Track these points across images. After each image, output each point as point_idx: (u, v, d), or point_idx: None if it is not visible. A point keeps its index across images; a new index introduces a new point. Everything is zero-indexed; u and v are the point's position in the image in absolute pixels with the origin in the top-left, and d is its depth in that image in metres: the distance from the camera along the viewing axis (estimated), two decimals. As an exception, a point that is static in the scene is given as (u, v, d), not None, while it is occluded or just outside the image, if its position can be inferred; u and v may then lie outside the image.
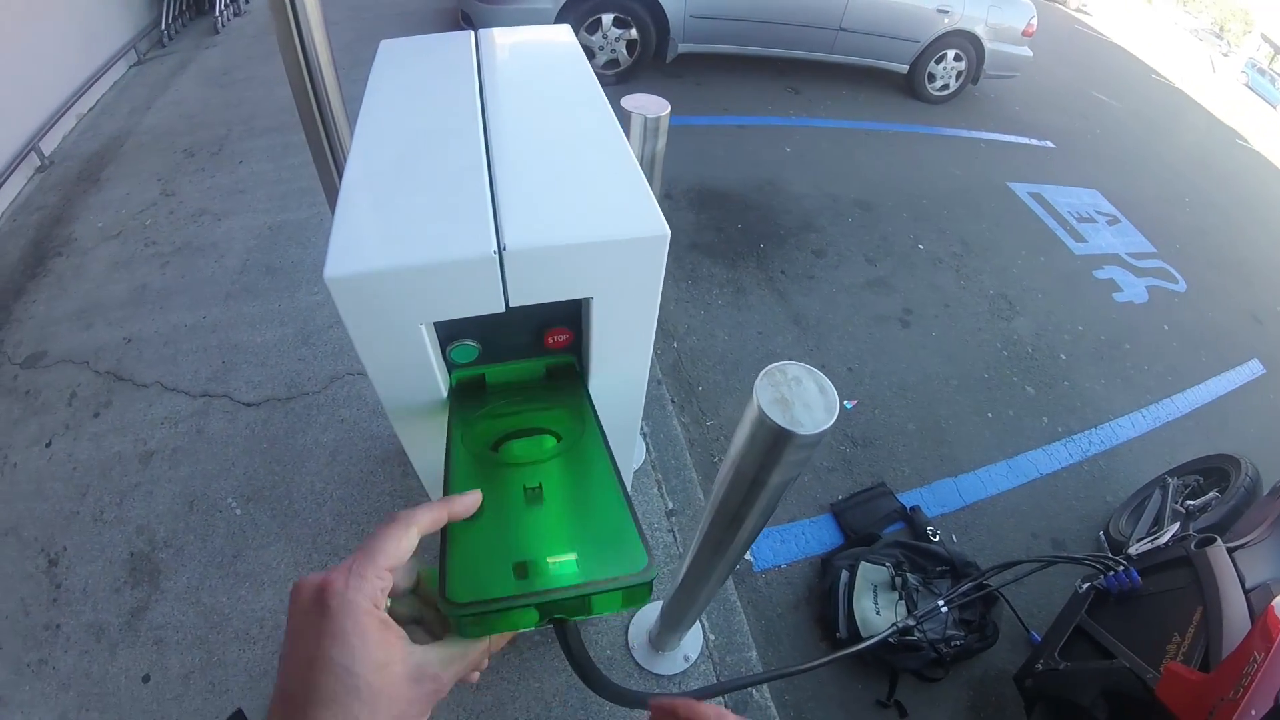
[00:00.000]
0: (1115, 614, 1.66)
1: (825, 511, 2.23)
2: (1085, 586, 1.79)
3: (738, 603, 1.81)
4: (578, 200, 0.68)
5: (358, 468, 1.94)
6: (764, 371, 0.67)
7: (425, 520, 0.42)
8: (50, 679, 1.52)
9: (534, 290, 0.65)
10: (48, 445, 1.96)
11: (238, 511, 1.83)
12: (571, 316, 0.73)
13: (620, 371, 0.80)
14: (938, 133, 4.84)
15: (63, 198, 2.90)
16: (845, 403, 2.60)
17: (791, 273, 3.18)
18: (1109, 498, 2.49)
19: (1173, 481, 2.23)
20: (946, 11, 4.67)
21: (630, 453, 1.11)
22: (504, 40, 1.04)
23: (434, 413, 0.75)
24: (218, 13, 4.41)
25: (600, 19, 4.01)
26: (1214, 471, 2.23)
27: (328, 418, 2.07)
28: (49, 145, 3.13)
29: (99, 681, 1.52)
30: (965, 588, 1.70)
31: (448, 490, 0.57)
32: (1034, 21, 5.05)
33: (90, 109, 3.50)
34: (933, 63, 4.95)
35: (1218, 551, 1.54)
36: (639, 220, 0.66)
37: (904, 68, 4.98)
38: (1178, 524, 1.94)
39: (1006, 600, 1.91)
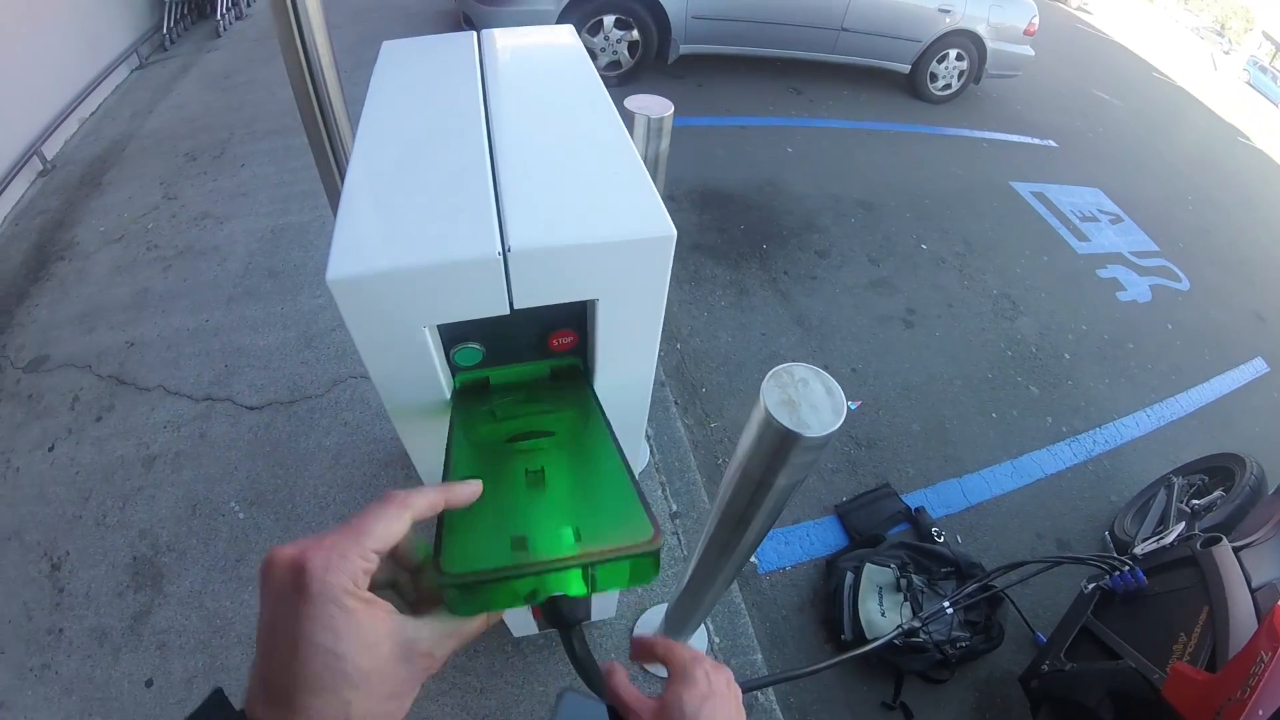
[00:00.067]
0: (1121, 614, 1.65)
1: (830, 513, 2.22)
2: (1091, 587, 1.78)
3: (742, 605, 1.80)
4: (583, 200, 0.68)
5: (361, 471, 1.94)
6: (771, 373, 0.66)
7: (421, 505, 0.40)
8: (53, 684, 1.52)
9: (539, 292, 0.65)
10: (50, 449, 1.96)
11: (240, 515, 1.83)
12: (576, 318, 0.72)
13: (625, 374, 0.80)
14: (940, 132, 4.84)
15: (65, 202, 2.90)
16: (849, 404, 2.59)
17: (794, 273, 3.18)
18: (1114, 497, 2.48)
19: (1177, 481, 2.22)
20: (948, 11, 4.66)
21: (635, 455, 1.10)
22: (507, 40, 1.03)
23: (437, 416, 0.75)
24: (219, 16, 4.42)
25: (602, 20, 4.01)
26: (1219, 470, 2.22)
27: (331, 421, 2.07)
28: (51, 149, 3.14)
29: (102, 686, 1.51)
30: (970, 589, 1.70)
31: (447, 476, 0.55)
32: (1035, 20, 5.04)
33: (92, 113, 3.50)
34: (935, 62, 4.94)
35: (1223, 551, 1.54)
36: (645, 220, 0.65)
37: (906, 67, 4.98)
38: (1183, 523, 1.93)
39: (1012, 601, 1.90)
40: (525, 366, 0.75)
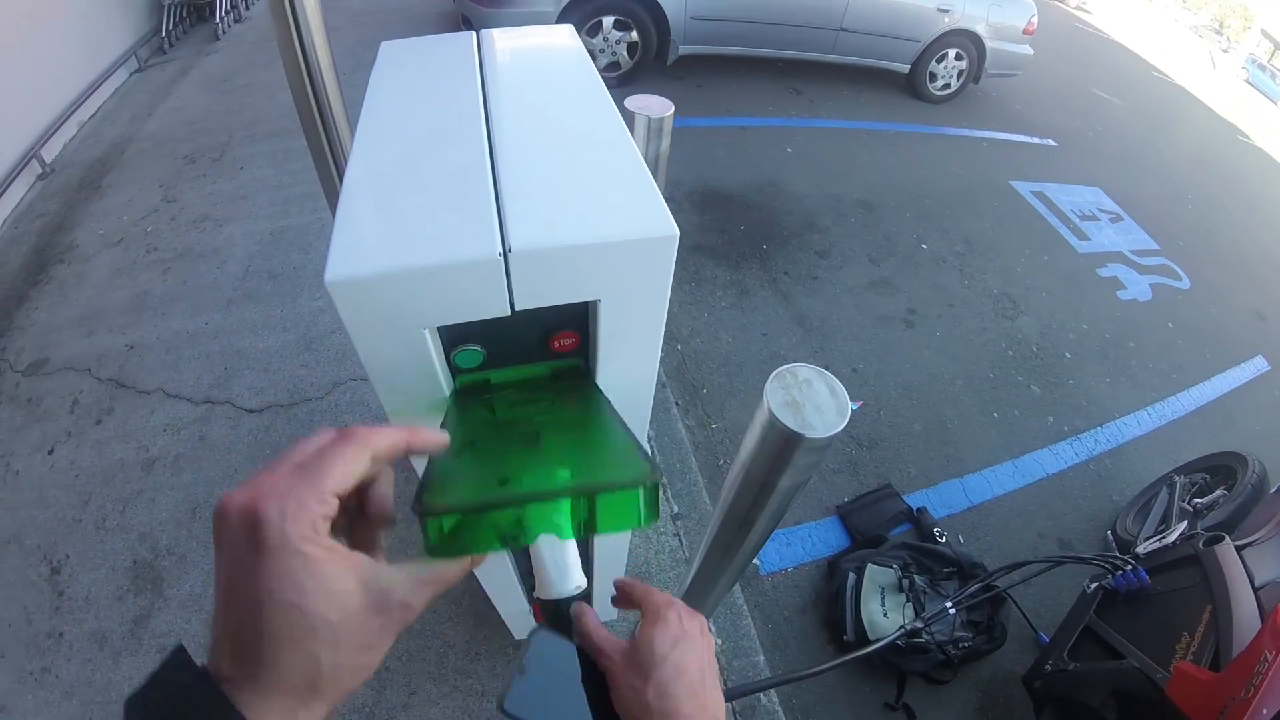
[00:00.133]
0: (1124, 614, 1.65)
1: (831, 514, 2.22)
2: (1093, 586, 1.77)
3: (744, 606, 1.80)
4: (584, 200, 0.67)
5: (361, 473, 1.93)
6: (774, 374, 0.66)
7: (383, 444, 0.36)
8: (53, 687, 1.51)
9: (540, 293, 0.64)
10: (50, 453, 1.96)
11: (241, 518, 1.82)
12: (578, 319, 0.72)
13: (628, 375, 0.79)
14: (939, 132, 4.84)
15: (64, 205, 2.90)
16: (851, 404, 2.59)
17: (795, 274, 3.18)
18: (1115, 497, 2.48)
19: (1179, 479, 2.22)
20: (947, 11, 4.67)
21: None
22: (506, 40, 1.03)
23: (438, 418, 0.74)
24: (218, 19, 4.42)
25: (601, 21, 4.01)
26: (1221, 469, 2.21)
27: (330, 424, 2.06)
28: (50, 152, 3.14)
29: (102, 690, 1.51)
30: (973, 589, 1.69)
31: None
32: (1034, 20, 5.04)
33: (91, 116, 3.50)
34: (934, 62, 4.94)
35: (1226, 549, 1.53)
36: (647, 220, 0.64)
37: (905, 67, 4.98)
38: (1185, 522, 1.93)
39: (1014, 601, 1.90)
40: (526, 368, 0.75)
